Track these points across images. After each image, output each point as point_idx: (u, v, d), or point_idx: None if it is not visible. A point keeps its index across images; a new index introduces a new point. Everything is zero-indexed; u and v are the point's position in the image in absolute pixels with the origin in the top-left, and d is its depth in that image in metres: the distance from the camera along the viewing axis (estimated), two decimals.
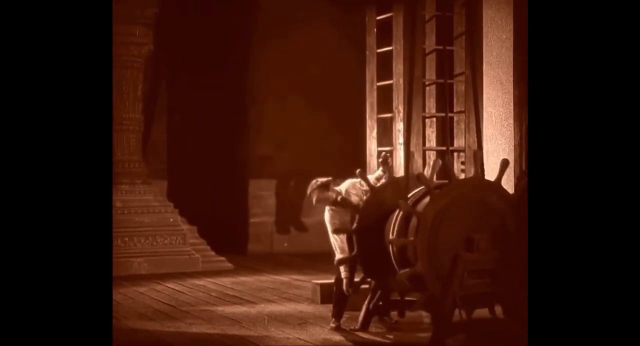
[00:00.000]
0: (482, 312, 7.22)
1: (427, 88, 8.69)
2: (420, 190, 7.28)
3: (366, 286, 7.88)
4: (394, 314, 8.06)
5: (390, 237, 7.17)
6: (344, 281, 7.73)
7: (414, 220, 7.01)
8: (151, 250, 12.29)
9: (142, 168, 12.88)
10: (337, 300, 7.94)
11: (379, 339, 7.65)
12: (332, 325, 7.90)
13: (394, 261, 7.20)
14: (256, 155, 14.87)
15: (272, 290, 10.49)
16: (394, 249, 7.18)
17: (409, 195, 7.31)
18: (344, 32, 13.93)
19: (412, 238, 6.97)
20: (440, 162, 7.77)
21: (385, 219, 7.36)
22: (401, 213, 7.14)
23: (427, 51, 8.60)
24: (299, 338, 7.56)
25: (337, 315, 7.92)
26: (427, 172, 7.87)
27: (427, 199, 7.08)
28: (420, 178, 7.14)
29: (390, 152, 8.42)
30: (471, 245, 6.94)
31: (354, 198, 7.75)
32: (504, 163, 7.31)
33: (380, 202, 7.55)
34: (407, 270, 6.93)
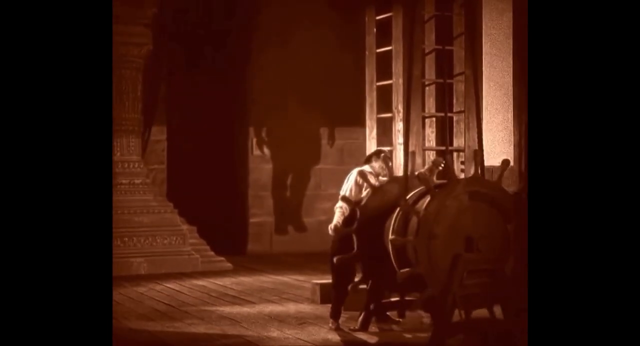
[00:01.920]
0: (482, 312, 7.21)
1: (427, 88, 8.69)
2: (420, 189, 7.28)
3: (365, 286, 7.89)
4: (393, 314, 8.06)
5: (390, 236, 7.18)
6: (333, 221, 7.94)
7: (413, 220, 7.01)
8: (151, 250, 12.28)
9: (141, 168, 12.87)
10: (335, 299, 7.95)
11: (378, 339, 7.64)
12: (331, 325, 7.90)
13: (393, 261, 7.19)
14: (255, 155, 14.85)
15: (271, 290, 10.48)
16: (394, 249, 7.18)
17: (409, 196, 7.30)
18: (343, 32, 13.92)
19: (411, 238, 6.97)
20: (442, 160, 7.77)
21: (386, 218, 7.35)
22: (400, 212, 7.14)
23: (426, 51, 8.61)
24: (299, 338, 7.56)
25: (335, 315, 7.92)
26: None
27: (426, 198, 7.08)
28: (420, 178, 7.14)
29: (390, 152, 8.41)
30: (471, 245, 6.94)
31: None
32: (505, 163, 7.30)
33: (382, 200, 7.51)
34: (407, 269, 6.93)
